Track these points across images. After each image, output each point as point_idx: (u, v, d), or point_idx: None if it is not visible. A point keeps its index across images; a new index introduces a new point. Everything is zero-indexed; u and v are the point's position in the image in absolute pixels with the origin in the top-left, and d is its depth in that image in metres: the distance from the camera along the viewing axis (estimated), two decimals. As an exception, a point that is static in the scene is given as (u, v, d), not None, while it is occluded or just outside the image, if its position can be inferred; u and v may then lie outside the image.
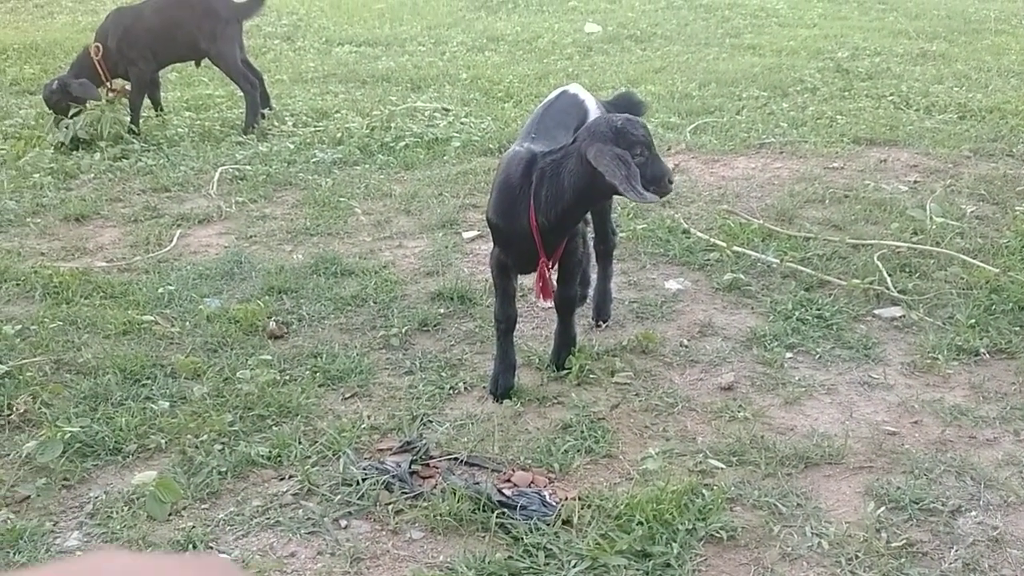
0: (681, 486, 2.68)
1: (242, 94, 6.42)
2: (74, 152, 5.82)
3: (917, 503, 2.67)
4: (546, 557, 2.46)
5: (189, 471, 2.82)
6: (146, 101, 6.52)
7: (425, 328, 3.70)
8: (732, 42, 9.16)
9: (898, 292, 3.88)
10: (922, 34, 9.05)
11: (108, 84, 6.28)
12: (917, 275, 4.05)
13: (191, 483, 2.76)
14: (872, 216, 4.67)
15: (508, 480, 2.78)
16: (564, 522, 2.59)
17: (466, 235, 4.60)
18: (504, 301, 3.28)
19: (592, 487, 2.75)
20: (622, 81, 7.58)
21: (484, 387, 3.29)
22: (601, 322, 3.73)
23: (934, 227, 4.44)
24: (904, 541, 2.53)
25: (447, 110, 6.73)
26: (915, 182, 5.17)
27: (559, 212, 3.05)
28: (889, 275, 3.98)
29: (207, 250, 4.49)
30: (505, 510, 2.61)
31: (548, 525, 2.57)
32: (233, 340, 3.56)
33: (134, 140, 6.04)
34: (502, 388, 3.22)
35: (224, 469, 2.81)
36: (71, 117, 5.97)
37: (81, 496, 2.73)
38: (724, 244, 4.28)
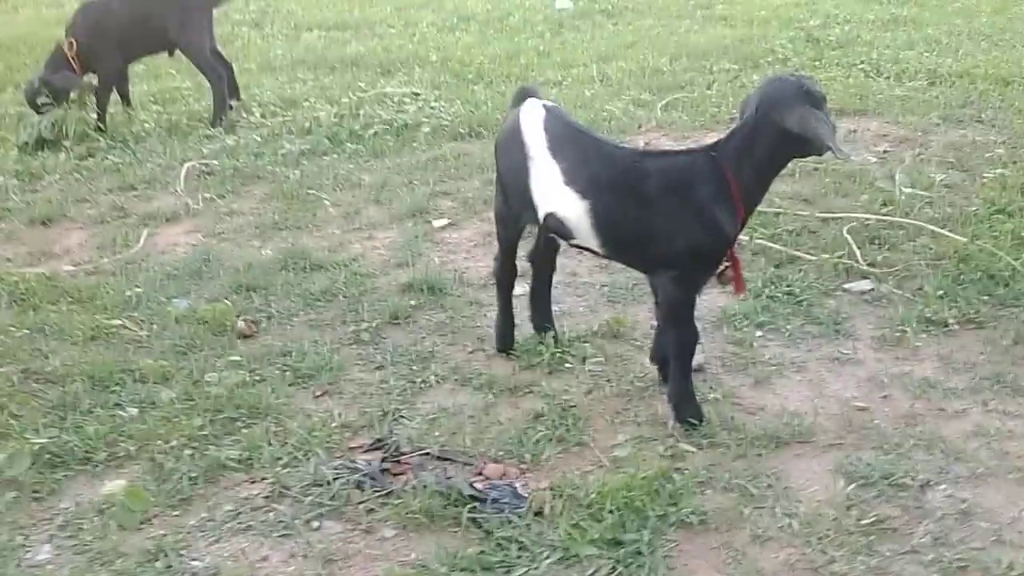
0: (652, 472, 2.69)
1: (210, 85, 6.34)
2: (39, 152, 5.74)
3: (887, 479, 2.69)
4: (518, 550, 2.47)
5: (159, 478, 2.80)
6: (114, 95, 6.43)
7: (396, 321, 3.69)
8: (704, 13, 9.12)
9: (867, 265, 3.89)
10: (893, -1, 9.02)
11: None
12: (886, 247, 4.06)
13: (161, 490, 2.74)
14: (842, 189, 4.67)
15: (480, 473, 2.78)
16: (536, 513, 2.59)
17: (436, 224, 4.57)
18: None
19: (564, 476, 2.76)
20: (593, 58, 7.54)
21: (456, 379, 3.28)
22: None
23: (903, 198, 4.44)
24: (874, 518, 2.55)
25: (417, 94, 6.66)
26: (884, 152, 5.17)
27: (762, 191, 2.89)
28: (858, 248, 3.99)
29: (175, 249, 4.45)
30: (477, 504, 2.61)
31: (520, 517, 2.57)
32: (202, 341, 3.54)
33: (100, 138, 5.96)
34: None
35: (195, 475, 2.80)
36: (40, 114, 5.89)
37: (51, 508, 2.71)
38: (694, 223, 4.27)
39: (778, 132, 2.73)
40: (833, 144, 2.68)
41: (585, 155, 2.94)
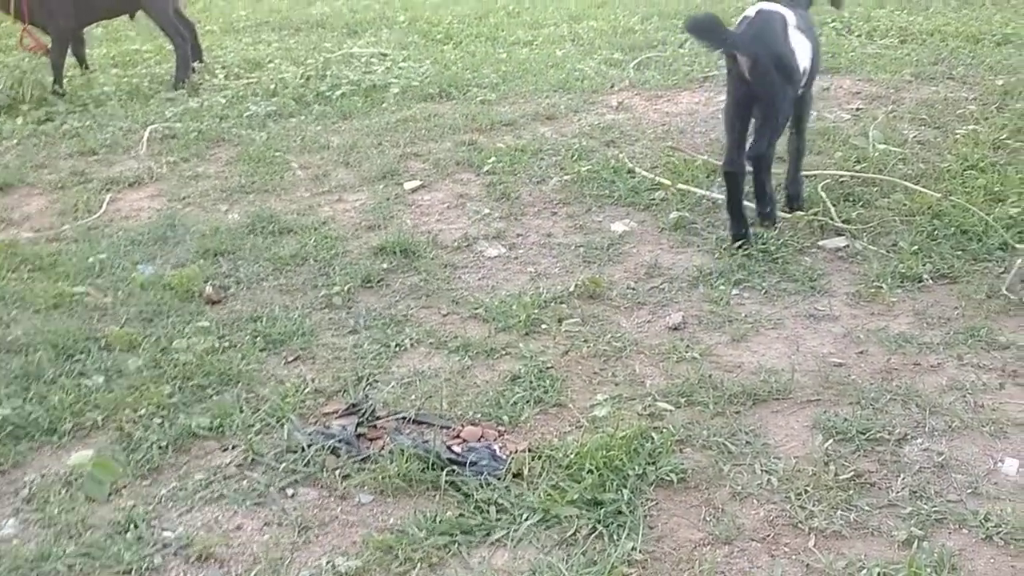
0: (630, 431, 2.67)
1: (172, 48, 6.17)
2: (-5, 117, 5.58)
3: (864, 433, 2.69)
4: (497, 512, 2.44)
5: (128, 448, 2.74)
6: (71, 59, 6.25)
7: (368, 285, 3.62)
8: (674, -28, 9.02)
9: (842, 222, 3.87)
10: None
11: (25, 28, 5.98)
12: (861, 204, 4.05)
13: (131, 460, 2.68)
14: (816, 146, 4.65)
15: (457, 436, 2.74)
16: (515, 475, 2.56)
17: (407, 185, 4.50)
18: None
19: (542, 438, 2.73)
20: (564, 17, 7.44)
21: (431, 342, 3.23)
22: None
23: (877, 154, 4.43)
24: (852, 472, 2.55)
25: (385, 55, 6.55)
26: (858, 109, 5.15)
27: None
28: (833, 205, 3.97)
29: (139, 214, 4.35)
30: (455, 467, 2.58)
31: (499, 480, 2.54)
32: (169, 308, 3.46)
33: (58, 102, 5.80)
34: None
35: (164, 443, 2.74)
36: None
37: (16, 481, 2.64)
38: (669, 182, 4.24)
39: None
40: None
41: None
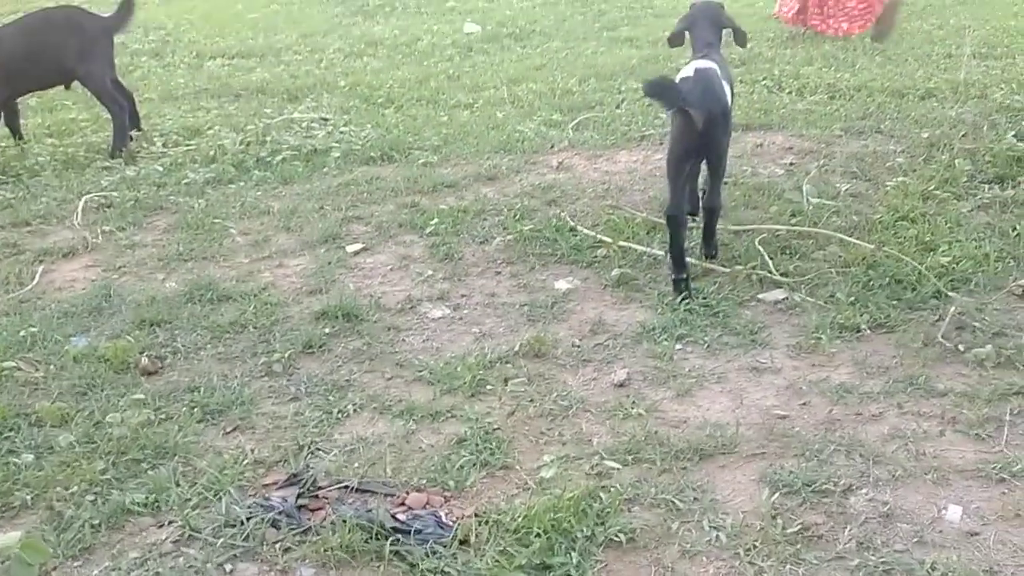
0: (578, 491, 2.64)
1: (109, 116, 6.11)
2: (-77, 189, 5.44)
3: (810, 486, 2.69)
4: (444, 581, 2.38)
5: (59, 527, 2.63)
6: (4, 130, 6.15)
7: (310, 350, 3.57)
8: (609, 35, 9.24)
9: (780, 275, 3.94)
10: (790, 18, 9.28)
11: None
12: (797, 256, 4.12)
13: (61, 540, 2.57)
14: (752, 201, 4.74)
15: (402, 504, 2.68)
16: (462, 542, 2.51)
17: (350, 249, 4.47)
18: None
19: (489, 501, 2.69)
20: (503, 80, 7.55)
21: (374, 407, 3.18)
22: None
23: (811, 208, 4.53)
24: (799, 526, 2.55)
25: (325, 119, 6.56)
26: (791, 164, 5.28)
27: None
28: (771, 258, 4.04)
29: (73, 285, 4.24)
30: (399, 536, 2.52)
31: (445, 547, 2.49)
32: (103, 381, 3.36)
33: (-10, 173, 5.68)
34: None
35: (97, 521, 2.64)
36: None
37: (-63, 567, 2.51)
38: (610, 240, 4.28)
39: None
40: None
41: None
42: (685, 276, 3.82)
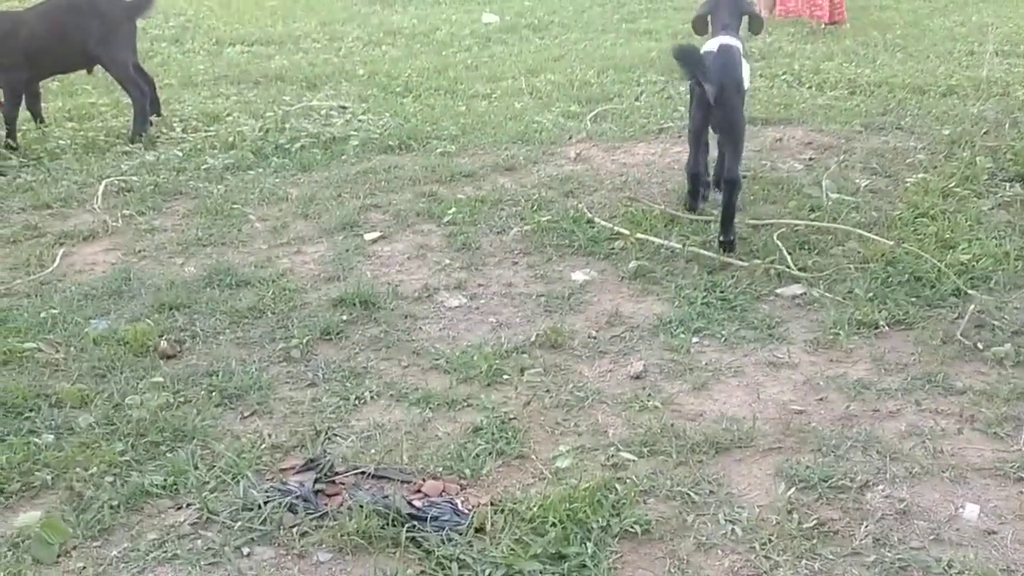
0: (594, 482, 2.64)
1: (130, 101, 6.14)
2: (-55, 171, 5.48)
3: (826, 481, 2.69)
4: (460, 569, 2.39)
5: (78, 507, 2.65)
6: (25, 113, 6.18)
7: (327, 337, 3.58)
8: (628, 27, 9.22)
9: (798, 270, 3.92)
10: (811, 12, 9.23)
11: None
12: (816, 252, 4.11)
13: (80, 520, 2.59)
14: (770, 195, 4.73)
15: (418, 491, 2.69)
16: (477, 530, 2.52)
17: (368, 236, 4.48)
18: None
19: (505, 490, 2.69)
20: (521, 71, 7.54)
21: (391, 395, 3.19)
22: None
23: (830, 203, 4.51)
24: (815, 521, 2.54)
25: (344, 108, 6.57)
26: (810, 159, 5.26)
27: None
28: (789, 253, 4.03)
29: (93, 268, 4.27)
30: (416, 523, 2.53)
31: (461, 535, 2.49)
32: (122, 363, 3.38)
33: (11, 155, 5.72)
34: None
35: (116, 503, 2.66)
36: None
37: (-41, 544, 2.54)
38: (628, 232, 4.28)
39: None
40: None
41: None
42: (697, 200, 4.47)
